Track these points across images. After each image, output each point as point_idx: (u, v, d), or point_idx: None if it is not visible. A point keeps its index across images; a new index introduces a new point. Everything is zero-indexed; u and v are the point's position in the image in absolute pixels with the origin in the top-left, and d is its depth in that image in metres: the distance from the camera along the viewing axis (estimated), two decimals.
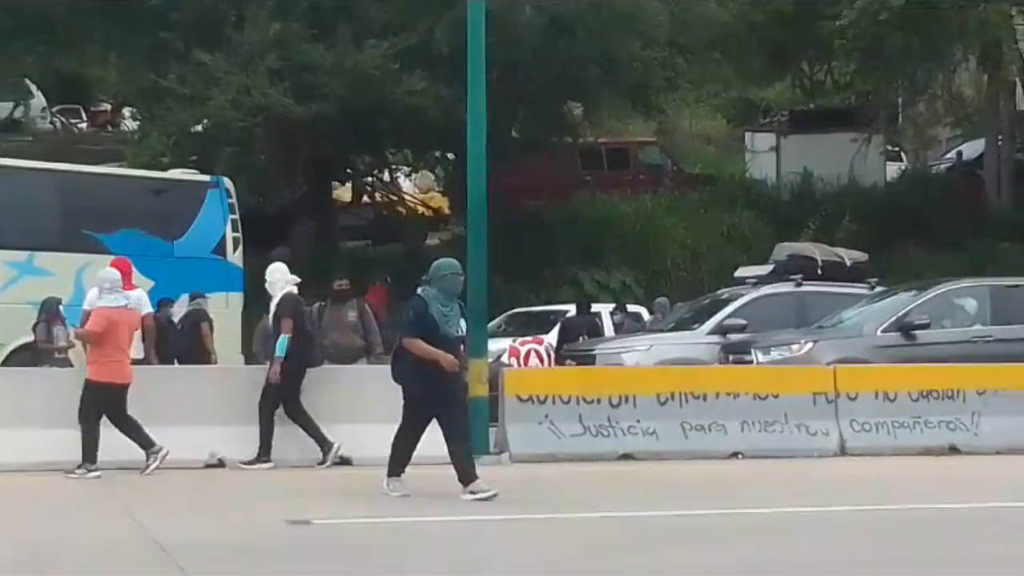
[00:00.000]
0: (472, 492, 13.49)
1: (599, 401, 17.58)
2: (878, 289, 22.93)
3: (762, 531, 12.02)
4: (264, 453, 16.40)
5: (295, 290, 17.26)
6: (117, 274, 16.57)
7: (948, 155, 40.67)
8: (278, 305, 17.03)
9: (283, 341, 16.71)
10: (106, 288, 16.14)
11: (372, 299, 23.21)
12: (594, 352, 22.45)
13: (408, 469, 14.15)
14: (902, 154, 42.16)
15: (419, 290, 13.92)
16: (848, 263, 23.86)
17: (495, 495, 13.42)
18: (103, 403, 15.65)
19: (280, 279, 17.36)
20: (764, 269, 23.98)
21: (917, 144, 40.24)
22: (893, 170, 39.38)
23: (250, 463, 16.29)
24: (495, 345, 22.81)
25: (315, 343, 17.48)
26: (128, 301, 16.38)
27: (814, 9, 32.58)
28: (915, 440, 18.05)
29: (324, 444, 16.42)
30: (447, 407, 13.82)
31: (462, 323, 14.01)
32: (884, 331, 20.46)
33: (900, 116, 39.18)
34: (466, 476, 13.62)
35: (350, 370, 17.97)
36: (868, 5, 29.93)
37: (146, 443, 15.64)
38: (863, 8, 29.98)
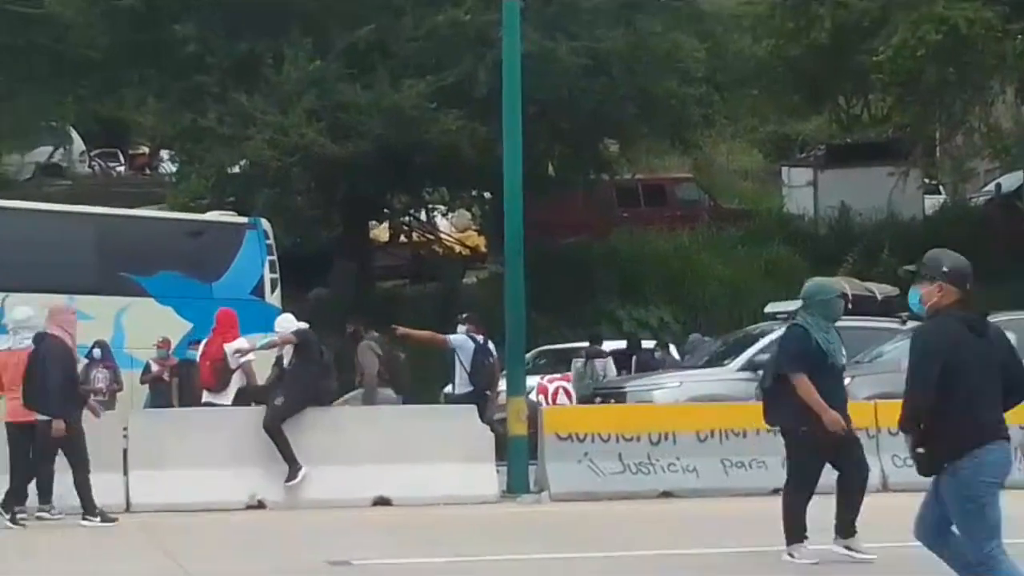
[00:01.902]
0: (848, 548, 12.24)
1: (639, 439, 17.53)
2: (910, 324, 22.78)
3: (801, 567, 11.93)
4: (292, 463, 16.35)
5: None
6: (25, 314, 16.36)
7: (987, 188, 40.51)
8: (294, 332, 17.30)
9: (268, 339, 17.16)
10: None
11: None
12: (625, 389, 22.39)
13: (439, 509, 14.05)
14: (940, 187, 42.01)
15: (796, 317, 12.49)
16: (879, 297, 23.70)
17: (871, 560, 12.06)
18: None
19: (286, 327, 17.65)
20: (794, 304, 23.86)
21: (955, 177, 40.05)
22: (931, 203, 39.23)
23: (289, 480, 16.27)
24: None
25: (328, 377, 17.46)
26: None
27: (850, 43, 32.53)
28: None
29: (293, 464, 16.40)
30: (847, 447, 12.23)
31: (843, 350, 12.34)
32: None
33: (938, 149, 39.05)
34: (843, 527, 12.27)
35: (388, 410, 17.98)
36: (905, 40, 29.88)
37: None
38: (901, 43, 29.93)
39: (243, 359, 18.05)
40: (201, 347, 19.24)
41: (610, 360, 25.95)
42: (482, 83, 27.39)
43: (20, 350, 15.79)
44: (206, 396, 18.47)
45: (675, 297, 31.90)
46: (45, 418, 15.21)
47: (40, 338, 15.51)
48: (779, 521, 12.34)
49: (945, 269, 8.42)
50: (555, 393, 22.43)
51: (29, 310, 16.40)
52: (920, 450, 8.30)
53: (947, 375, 8.10)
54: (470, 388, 19.36)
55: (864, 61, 31.73)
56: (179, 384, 22.19)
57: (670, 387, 21.96)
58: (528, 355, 25.60)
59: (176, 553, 12.91)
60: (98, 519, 15.04)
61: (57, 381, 15.13)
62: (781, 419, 12.21)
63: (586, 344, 26.22)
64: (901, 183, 35.14)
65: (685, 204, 38.52)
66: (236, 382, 17.80)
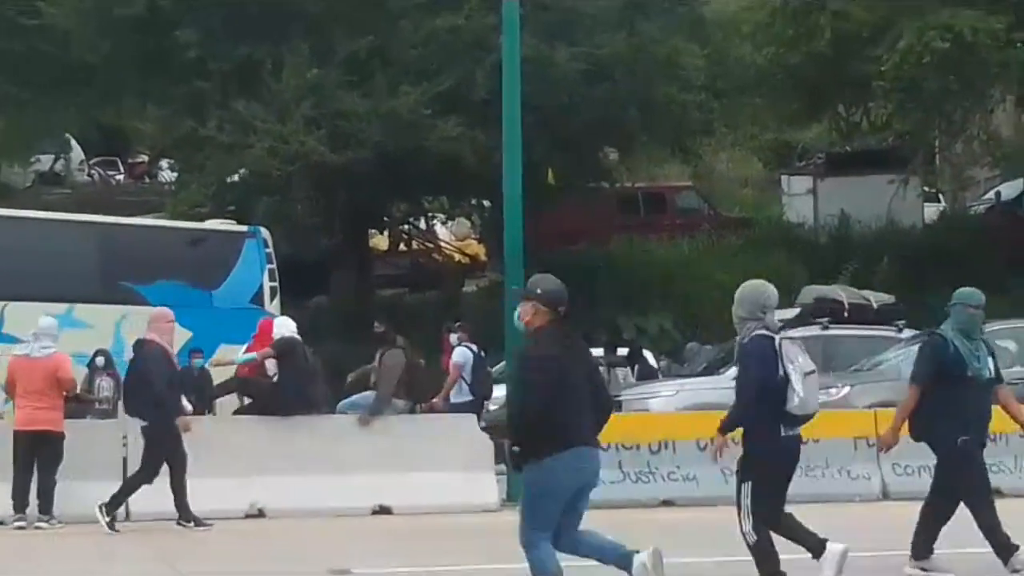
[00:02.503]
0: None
1: (638, 447, 17.56)
2: (907, 332, 22.76)
3: None
4: None
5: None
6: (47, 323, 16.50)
7: (987, 196, 40.50)
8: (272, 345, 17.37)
9: (248, 356, 17.19)
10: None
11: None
12: (620, 398, 22.37)
13: (440, 517, 14.04)
14: (940, 195, 42.01)
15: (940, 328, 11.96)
16: (875, 306, 23.68)
17: None
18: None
19: (279, 331, 17.68)
20: (790, 312, 23.85)
21: (955, 185, 40.12)
22: (931, 212, 39.22)
23: None
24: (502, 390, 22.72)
25: (315, 383, 17.44)
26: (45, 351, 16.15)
27: (850, 51, 32.55)
28: None
29: None
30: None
31: (990, 362, 11.82)
32: None
33: (937, 157, 39.06)
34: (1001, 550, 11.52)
35: (389, 419, 17.90)
36: (911, 47, 29.86)
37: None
38: (906, 50, 29.92)
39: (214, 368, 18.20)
40: (239, 354, 19.45)
41: (629, 369, 25.96)
42: (480, 87, 27.38)
43: (38, 358, 15.84)
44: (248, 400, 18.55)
45: (675, 305, 31.87)
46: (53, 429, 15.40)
47: (139, 344, 15.77)
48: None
49: (539, 291, 9.44)
50: None
51: (53, 320, 16.51)
52: (515, 448, 9.18)
53: (556, 386, 9.02)
54: (470, 397, 19.34)
55: (864, 68, 31.74)
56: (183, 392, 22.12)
57: (665, 396, 21.93)
58: (502, 364, 25.61)
59: (176, 562, 12.90)
60: (191, 524, 15.33)
61: (156, 386, 15.28)
62: (925, 433, 11.76)
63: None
64: (901, 191, 35.13)
65: (685, 212, 38.54)
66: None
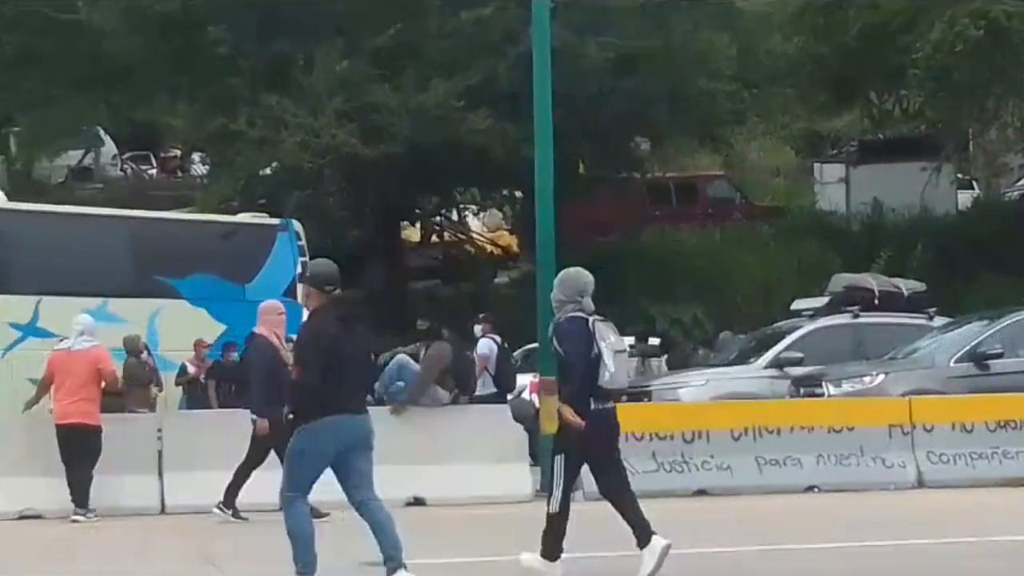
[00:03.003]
0: None
1: (672, 437, 17.52)
2: (938, 320, 22.67)
3: (841, 566, 11.89)
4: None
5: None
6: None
7: (1021, 182, 40.29)
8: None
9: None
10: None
11: None
12: (651, 388, 22.34)
13: (474, 508, 14.01)
14: (973, 182, 41.81)
15: None
16: (906, 293, 23.57)
17: None
18: None
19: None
20: (820, 301, 23.78)
21: (988, 172, 39.88)
22: (965, 199, 39.05)
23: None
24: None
25: None
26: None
27: (881, 40, 32.42)
28: (994, 471, 17.85)
29: None
30: None
31: None
32: (957, 361, 20.22)
33: (971, 144, 38.86)
34: None
35: (422, 410, 17.88)
36: (943, 37, 29.72)
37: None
38: (939, 41, 29.78)
39: None
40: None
41: (664, 359, 25.92)
42: (508, 79, 27.37)
43: (79, 351, 15.97)
44: None
45: (708, 295, 31.82)
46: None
47: (249, 338, 15.85)
48: (816, 519, 12.30)
49: (307, 275, 10.42)
50: None
51: (91, 318, 16.83)
52: (291, 416, 10.30)
53: (326, 359, 9.93)
54: (494, 390, 19.32)
55: (896, 57, 31.60)
56: (216, 386, 22.19)
57: (696, 385, 21.90)
58: (516, 352, 25.58)
59: (211, 554, 12.93)
60: (230, 512, 15.37)
61: (259, 380, 15.31)
62: None
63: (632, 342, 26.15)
64: (934, 178, 34.98)
65: (717, 202, 38.46)
66: None
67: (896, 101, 39.34)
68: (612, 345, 10.93)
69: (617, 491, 11.25)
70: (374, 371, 16.50)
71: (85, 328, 16.35)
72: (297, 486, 10.17)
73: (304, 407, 10.14)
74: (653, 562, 10.91)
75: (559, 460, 11.05)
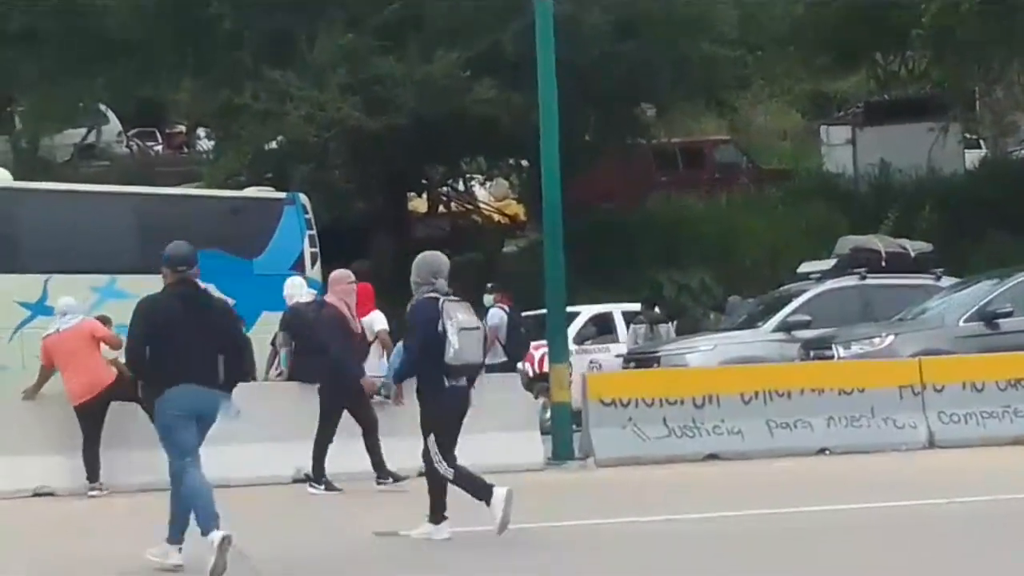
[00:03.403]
0: None
1: (683, 402, 17.54)
2: (946, 280, 22.64)
3: (854, 528, 11.90)
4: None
5: (304, 301, 17.35)
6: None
7: None
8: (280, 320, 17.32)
9: (283, 356, 17.03)
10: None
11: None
12: (659, 354, 22.34)
13: (495, 478, 14.01)
14: (981, 142, 41.69)
15: None
16: (913, 254, 23.55)
17: None
18: None
19: (292, 293, 17.55)
20: (827, 264, 23.77)
21: (996, 131, 39.75)
22: (972, 158, 38.95)
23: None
24: None
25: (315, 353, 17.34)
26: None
27: (885, 2, 32.31)
28: (1005, 430, 17.88)
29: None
30: None
31: None
32: (966, 321, 20.22)
33: (977, 103, 38.74)
34: None
35: None
36: None
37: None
38: (944, 2, 29.64)
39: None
40: None
41: (672, 325, 25.93)
42: (512, 48, 27.31)
43: (67, 328, 16.01)
44: None
45: (716, 259, 31.80)
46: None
47: (319, 306, 15.83)
48: (829, 481, 12.31)
49: (161, 256, 11.33)
50: (541, 360, 22.17)
51: (71, 299, 16.90)
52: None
53: (157, 335, 10.70)
54: (503, 359, 19.33)
55: (901, 18, 31.48)
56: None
57: (704, 350, 21.90)
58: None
59: (224, 529, 12.93)
60: (394, 480, 15.35)
61: (331, 350, 15.28)
62: None
63: (638, 309, 26.12)
64: (941, 138, 34.90)
65: (723, 166, 38.39)
66: (375, 353, 17.56)
67: (902, 62, 39.22)
68: (460, 323, 11.39)
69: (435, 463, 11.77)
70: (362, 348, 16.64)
71: (67, 309, 16.49)
72: (180, 451, 10.64)
73: (146, 380, 10.95)
74: (501, 509, 11.51)
75: (431, 439, 11.70)
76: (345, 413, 15.72)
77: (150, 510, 14.20)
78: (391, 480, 15.39)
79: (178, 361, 10.61)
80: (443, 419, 11.62)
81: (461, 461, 15.33)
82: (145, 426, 16.14)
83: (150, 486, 15.59)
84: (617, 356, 24.78)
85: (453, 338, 11.34)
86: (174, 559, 10.61)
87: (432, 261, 11.84)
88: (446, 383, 11.51)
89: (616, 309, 26.46)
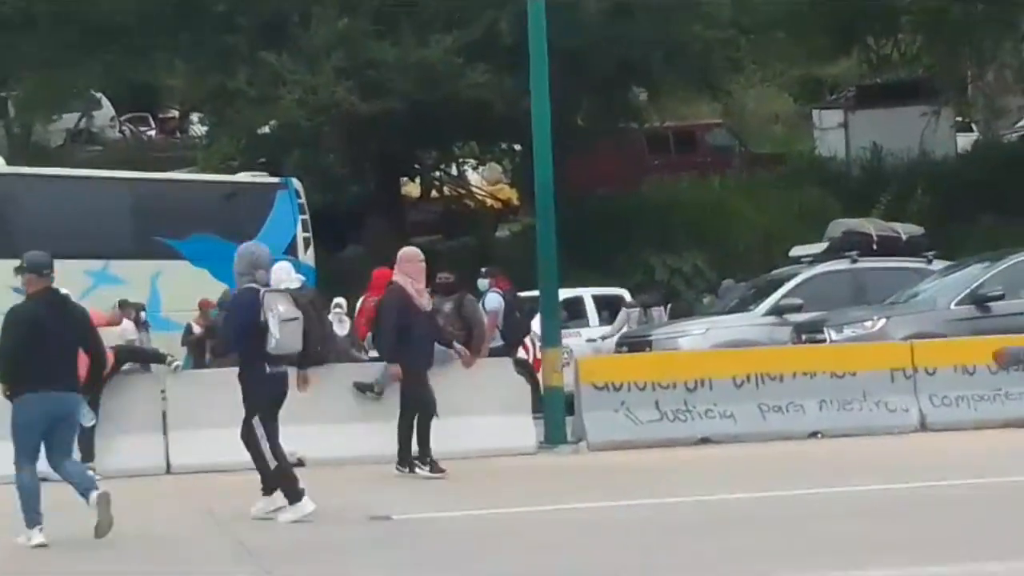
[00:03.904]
0: None
1: (675, 386, 17.55)
2: (937, 263, 22.68)
3: (846, 511, 11.96)
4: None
5: (294, 287, 17.31)
6: None
7: (1020, 124, 40.25)
8: None
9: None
10: None
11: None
12: (651, 338, 22.37)
13: (478, 461, 14.06)
14: (973, 125, 41.76)
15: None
16: (904, 237, 23.58)
17: None
18: None
19: (281, 279, 17.49)
20: (819, 247, 23.81)
21: (988, 114, 39.81)
22: (964, 142, 39.00)
23: None
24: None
25: (310, 340, 17.20)
26: None
27: None
28: (996, 413, 17.91)
29: None
30: None
31: None
32: (958, 304, 20.24)
33: (969, 87, 38.79)
34: None
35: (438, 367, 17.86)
36: None
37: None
38: None
39: None
40: (358, 305, 19.34)
41: (664, 309, 25.97)
42: (505, 34, 27.32)
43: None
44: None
45: (708, 243, 31.85)
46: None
47: (388, 287, 15.62)
48: (820, 465, 12.35)
49: (23, 264, 11.46)
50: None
51: None
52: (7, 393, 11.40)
53: (28, 342, 11.15)
54: (501, 342, 19.35)
55: (892, 1, 31.48)
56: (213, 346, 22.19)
57: (695, 334, 21.93)
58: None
59: (217, 513, 13.01)
60: (427, 468, 15.05)
61: (390, 326, 15.15)
62: None
63: (610, 294, 26.14)
64: (933, 122, 34.94)
65: (716, 150, 38.42)
66: None
67: (894, 45, 39.25)
68: (281, 315, 12.00)
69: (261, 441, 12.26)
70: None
71: None
72: (25, 456, 11.30)
73: (13, 381, 11.34)
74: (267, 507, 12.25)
75: (255, 421, 12.20)
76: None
77: (142, 495, 14.28)
78: (407, 470, 15.18)
79: (42, 365, 11.19)
80: (263, 403, 12.21)
81: (455, 446, 15.44)
82: (142, 411, 16.26)
83: (148, 471, 15.69)
84: (588, 340, 24.77)
85: (275, 329, 11.95)
86: (37, 539, 11.27)
87: (253, 252, 12.39)
88: (267, 370, 12.14)
89: (587, 293, 26.41)
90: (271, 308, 12.00)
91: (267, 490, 12.44)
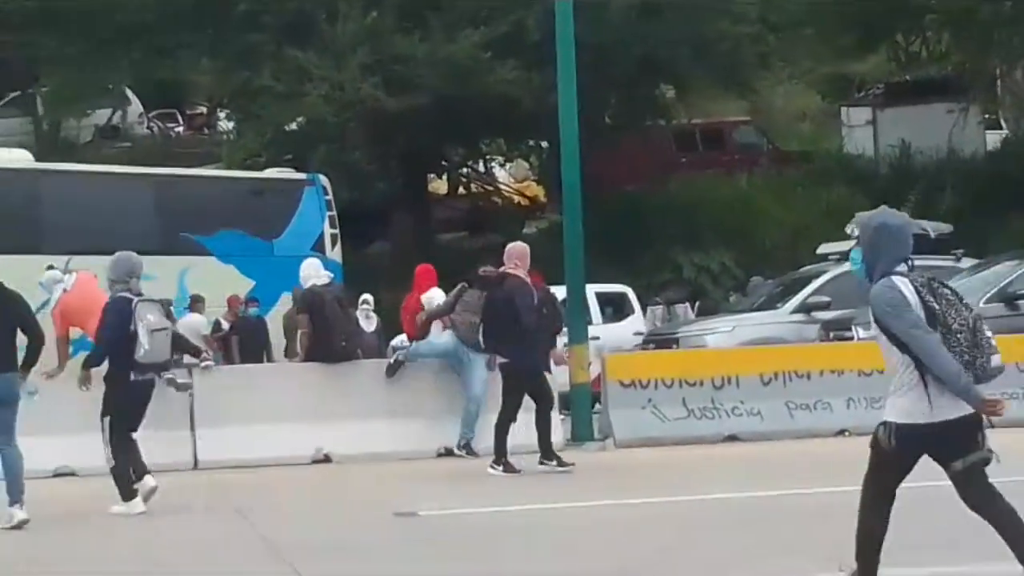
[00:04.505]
0: None
1: (702, 383, 17.52)
2: (965, 261, 22.57)
3: None
4: None
5: (321, 283, 17.37)
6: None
7: None
8: (298, 301, 17.36)
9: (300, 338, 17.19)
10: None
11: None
12: (677, 335, 22.33)
13: (515, 458, 14.03)
14: (1002, 122, 41.58)
15: None
16: (932, 235, 23.39)
17: None
18: None
19: (308, 275, 17.57)
20: (847, 245, 23.71)
21: (1016, 111, 39.62)
22: (994, 139, 38.84)
23: None
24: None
25: (336, 336, 17.20)
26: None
27: None
28: None
29: None
30: None
31: None
32: (987, 302, 20.15)
33: (998, 84, 38.61)
34: None
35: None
36: None
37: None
38: None
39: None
40: (404, 301, 19.39)
41: (688, 305, 25.92)
42: (533, 30, 27.31)
43: (74, 285, 16.88)
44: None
45: (736, 241, 31.79)
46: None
47: (502, 278, 15.56)
48: (848, 462, 12.29)
49: None
50: None
51: (57, 273, 17.60)
52: None
53: None
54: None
55: None
56: (240, 341, 22.30)
57: (722, 331, 21.90)
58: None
59: (245, 509, 13.03)
60: (554, 463, 14.98)
61: (524, 321, 15.07)
62: None
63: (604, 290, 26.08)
64: (962, 119, 34.79)
65: (744, 148, 38.36)
66: (436, 330, 17.54)
67: (922, 42, 39.10)
68: (150, 324, 12.50)
69: (133, 448, 12.83)
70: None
71: (55, 276, 17.35)
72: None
73: None
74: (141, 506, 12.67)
75: (106, 422, 12.69)
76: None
77: (169, 490, 14.34)
78: (555, 463, 15.02)
79: None
80: (125, 408, 12.70)
81: (488, 441, 15.38)
82: (171, 407, 16.31)
83: (176, 467, 15.73)
84: (592, 339, 24.53)
85: (144, 339, 12.42)
86: (20, 516, 11.88)
87: (126, 261, 12.86)
88: (132, 377, 12.60)
89: (590, 290, 26.09)
90: (142, 318, 12.48)
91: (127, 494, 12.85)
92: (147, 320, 12.49)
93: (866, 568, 8.12)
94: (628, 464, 15.76)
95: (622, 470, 15.43)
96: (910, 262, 8.08)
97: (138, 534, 11.71)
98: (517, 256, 15.40)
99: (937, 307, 7.84)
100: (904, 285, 7.93)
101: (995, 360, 8.05)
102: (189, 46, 32.01)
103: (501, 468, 14.87)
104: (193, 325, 21.19)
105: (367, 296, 22.13)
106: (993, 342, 7.94)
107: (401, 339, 19.11)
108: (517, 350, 14.96)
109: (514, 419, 15.11)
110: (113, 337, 12.59)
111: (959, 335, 7.80)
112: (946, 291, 7.91)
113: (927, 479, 12.75)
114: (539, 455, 15.07)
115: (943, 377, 7.75)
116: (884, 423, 8.03)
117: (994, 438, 8.35)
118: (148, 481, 12.73)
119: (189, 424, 16.45)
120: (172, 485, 14.95)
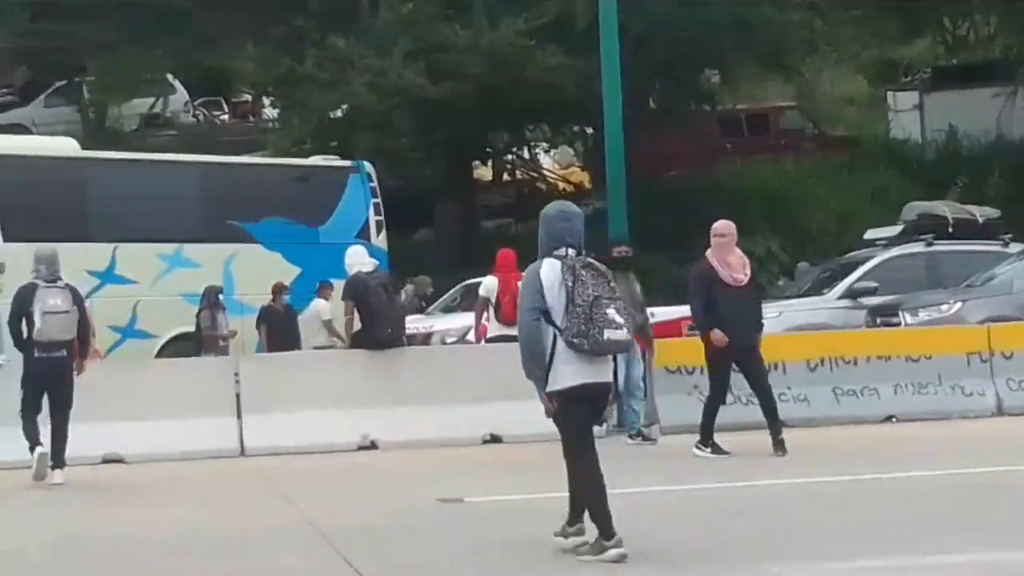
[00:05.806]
0: None
1: None
2: (1014, 246, 22.41)
3: (921, 494, 11.86)
4: None
5: (367, 270, 17.40)
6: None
7: None
8: (343, 289, 17.39)
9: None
10: None
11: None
12: None
13: (549, 444, 14.03)
14: None
15: None
16: (980, 220, 23.30)
17: None
18: None
19: (354, 262, 17.61)
20: (894, 230, 23.59)
21: None
22: None
23: None
24: (457, 320, 22.60)
25: (382, 322, 17.21)
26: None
27: None
28: None
29: None
30: None
31: None
32: None
33: None
34: None
35: (494, 348, 17.85)
36: None
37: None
38: None
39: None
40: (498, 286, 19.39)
41: None
42: (580, 17, 27.23)
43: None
44: (506, 330, 18.27)
45: (782, 227, 31.64)
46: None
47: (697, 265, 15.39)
48: (896, 448, 12.25)
49: None
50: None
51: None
52: None
53: None
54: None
55: None
56: (268, 330, 22.21)
57: (770, 317, 21.74)
58: (452, 291, 25.35)
59: (291, 495, 13.06)
60: (709, 450, 15.00)
61: (700, 299, 15.07)
62: None
63: None
64: (1009, 103, 34.56)
65: (789, 133, 38.20)
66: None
67: (970, 26, 38.84)
68: (46, 307, 14.08)
69: (59, 416, 14.30)
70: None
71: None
72: None
73: None
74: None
75: (24, 399, 14.30)
76: None
77: (217, 477, 14.38)
78: (708, 451, 15.00)
79: None
80: (30, 382, 14.32)
81: (523, 429, 15.38)
82: (217, 394, 16.35)
83: (223, 453, 15.77)
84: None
85: (37, 319, 14.07)
86: None
87: (40, 251, 14.47)
88: (36, 354, 14.18)
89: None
90: (40, 300, 14.08)
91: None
92: (45, 303, 14.07)
93: None
94: (675, 450, 15.71)
95: (669, 456, 15.39)
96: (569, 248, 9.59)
97: (183, 518, 11.74)
98: (711, 235, 15.18)
99: (569, 285, 9.28)
100: (551, 268, 9.48)
101: (609, 334, 9.21)
102: (232, 33, 32.06)
103: (709, 450, 14.95)
104: (318, 311, 21.38)
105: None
106: (616, 319, 9.18)
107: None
108: (705, 321, 15.01)
109: (723, 400, 15.25)
110: (13, 319, 14.25)
111: (578, 308, 9.17)
112: (585, 273, 9.35)
113: (1002, 464, 12.69)
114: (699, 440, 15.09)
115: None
116: None
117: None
118: (39, 451, 14.11)
119: (236, 411, 16.50)
120: (218, 471, 15.04)
